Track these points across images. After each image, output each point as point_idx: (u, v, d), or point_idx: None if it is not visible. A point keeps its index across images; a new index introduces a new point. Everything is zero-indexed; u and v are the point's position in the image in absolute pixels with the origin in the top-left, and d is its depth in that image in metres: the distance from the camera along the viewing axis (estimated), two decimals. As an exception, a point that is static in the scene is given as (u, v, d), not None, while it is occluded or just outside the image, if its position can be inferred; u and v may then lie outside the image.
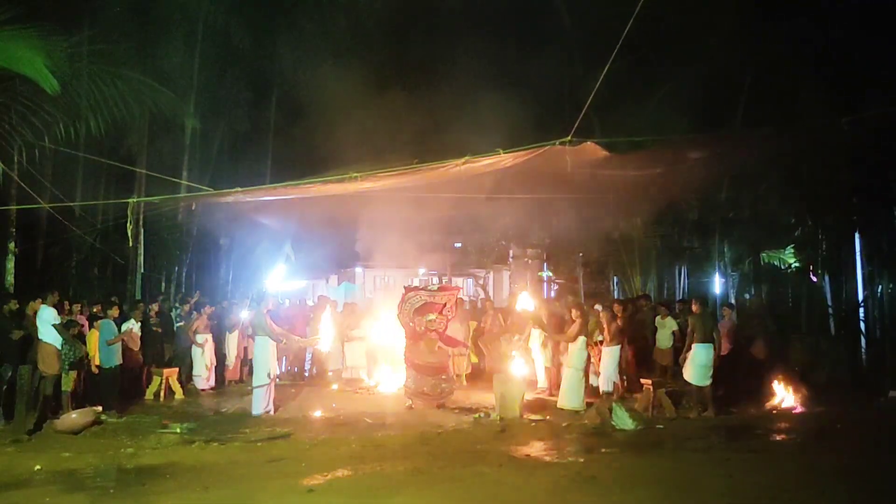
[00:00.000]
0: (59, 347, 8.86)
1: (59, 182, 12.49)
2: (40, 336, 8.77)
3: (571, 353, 9.92)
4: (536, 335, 11.13)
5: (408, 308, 10.42)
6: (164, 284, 15.16)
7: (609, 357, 10.22)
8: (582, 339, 9.90)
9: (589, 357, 10.34)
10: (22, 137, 9.89)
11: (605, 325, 10.24)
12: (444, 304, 10.50)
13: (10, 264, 11.54)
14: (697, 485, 6.09)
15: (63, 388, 9.06)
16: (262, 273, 17.49)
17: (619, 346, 10.29)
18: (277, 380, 10.79)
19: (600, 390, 10.24)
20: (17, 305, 9.34)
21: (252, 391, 9.74)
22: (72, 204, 12.30)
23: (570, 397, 9.76)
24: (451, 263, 15.74)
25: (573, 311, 10.29)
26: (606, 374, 10.24)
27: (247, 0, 15.32)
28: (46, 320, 8.77)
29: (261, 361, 9.65)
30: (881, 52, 11.11)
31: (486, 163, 8.48)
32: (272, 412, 9.54)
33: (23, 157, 10.42)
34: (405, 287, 11.24)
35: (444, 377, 10.26)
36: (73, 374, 9.15)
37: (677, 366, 10.19)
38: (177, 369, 11.16)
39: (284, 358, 13.06)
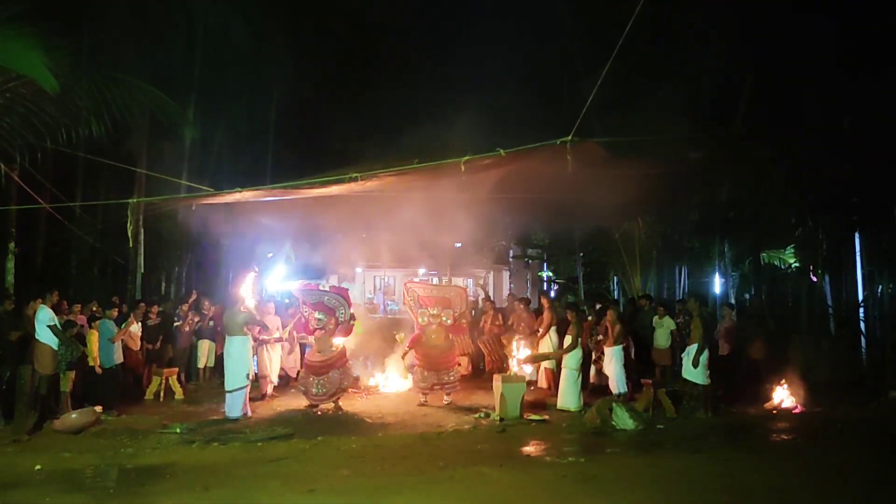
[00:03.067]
0: (56, 348, 8.85)
1: (60, 182, 12.50)
2: (37, 336, 8.76)
3: (567, 353, 9.94)
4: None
5: (304, 299, 10.57)
6: (164, 284, 15.16)
7: (614, 358, 10.21)
8: (577, 339, 9.92)
9: (589, 356, 10.36)
10: (23, 138, 9.89)
11: (608, 326, 10.26)
12: (332, 307, 10.38)
13: (10, 264, 11.55)
14: (697, 485, 6.09)
15: (62, 389, 9.06)
16: (262, 273, 17.47)
17: (621, 347, 10.29)
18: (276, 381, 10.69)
19: (613, 392, 10.14)
20: (13, 305, 9.34)
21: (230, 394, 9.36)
22: (72, 204, 12.31)
23: (566, 398, 9.76)
24: (451, 263, 15.75)
25: (569, 313, 10.32)
26: (615, 375, 10.21)
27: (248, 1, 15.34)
28: (43, 321, 8.75)
29: (238, 362, 9.32)
30: (881, 52, 11.12)
31: (486, 162, 8.48)
32: (249, 415, 9.33)
33: (24, 158, 10.42)
34: (302, 280, 11.26)
35: (324, 378, 9.97)
36: (71, 374, 9.15)
37: (676, 366, 10.21)
38: (177, 369, 11.17)
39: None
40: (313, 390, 9.96)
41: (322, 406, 9.95)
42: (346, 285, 14.71)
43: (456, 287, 11.35)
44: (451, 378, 10.48)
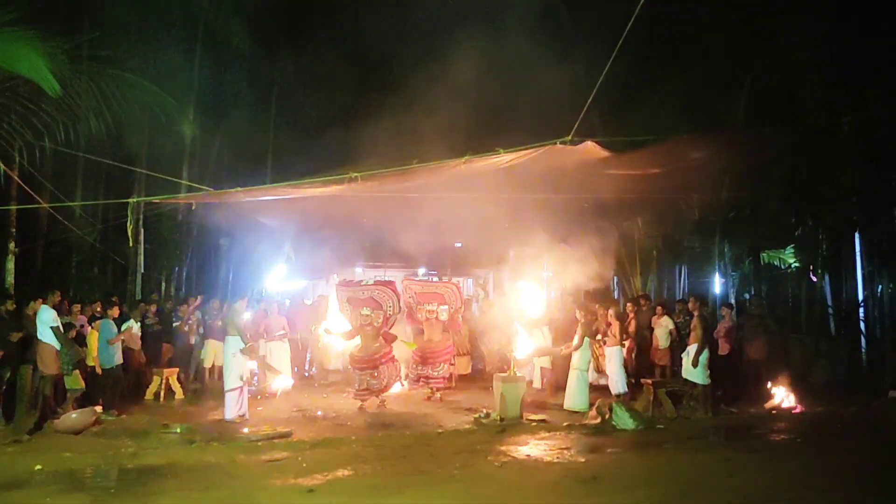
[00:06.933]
0: (59, 348, 8.84)
1: (59, 182, 12.49)
2: (39, 336, 8.75)
3: (576, 354, 9.93)
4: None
5: (349, 296, 10.72)
6: (164, 284, 15.14)
7: (614, 358, 10.22)
8: (586, 339, 9.92)
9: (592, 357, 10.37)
10: (22, 137, 9.88)
11: (610, 326, 10.26)
12: (380, 302, 10.66)
13: (10, 264, 11.53)
14: (698, 485, 6.09)
15: (70, 387, 9.07)
16: (262, 273, 17.47)
17: (619, 347, 10.29)
18: (252, 386, 10.52)
19: (612, 392, 10.16)
20: (14, 306, 9.32)
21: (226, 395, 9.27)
22: (72, 204, 12.29)
23: (576, 398, 9.76)
24: (451, 263, 15.74)
25: (577, 312, 10.30)
26: (615, 375, 10.22)
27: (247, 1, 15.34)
28: (45, 322, 8.74)
29: (232, 363, 9.25)
30: (881, 52, 11.12)
31: (486, 162, 8.49)
32: (247, 416, 9.24)
33: (23, 157, 10.41)
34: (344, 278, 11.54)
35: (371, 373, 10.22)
36: (77, 372, 9.13)
37: (676, 365, 10.20)
38: (177, 369, 11.17)
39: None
40: (356, 385, 10.19)
41: (366, 403, 10.12)
42: None
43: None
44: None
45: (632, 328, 11.24)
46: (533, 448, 7.56)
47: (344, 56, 17.03)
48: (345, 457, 7.14)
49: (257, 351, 10.18)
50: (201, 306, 12.16)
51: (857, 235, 12.46)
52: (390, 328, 10.70)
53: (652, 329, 11.24)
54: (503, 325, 12.10)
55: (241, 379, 9.26)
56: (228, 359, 9.40)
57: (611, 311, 10.48)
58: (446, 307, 11.05)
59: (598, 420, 8.73)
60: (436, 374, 10.68)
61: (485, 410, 9.51)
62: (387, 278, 11.80)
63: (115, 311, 9.95)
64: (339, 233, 14.37)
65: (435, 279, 14.32)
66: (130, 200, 10.61)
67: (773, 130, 10.24)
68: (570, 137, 7.77)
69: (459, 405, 10.29)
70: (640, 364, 11.19)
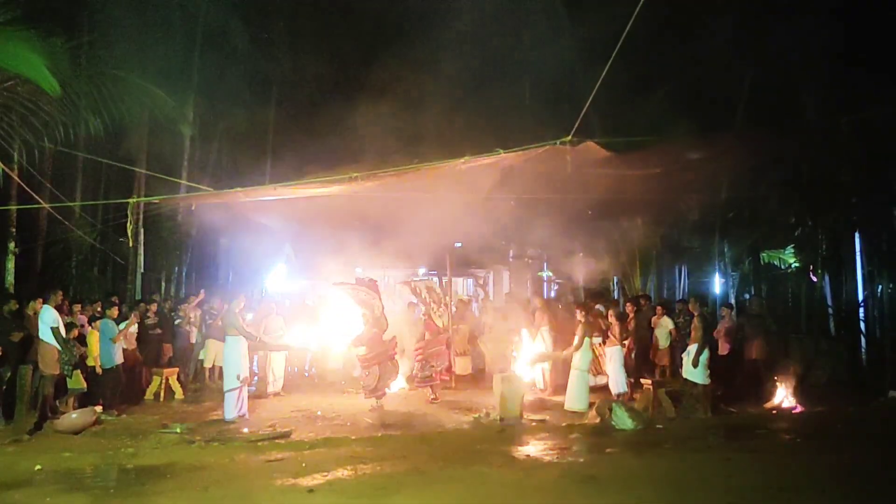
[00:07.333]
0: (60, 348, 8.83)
1: (59, 182, 12.49)
2: (41, 336, 8.74)
3: (576, 354, 9.93)
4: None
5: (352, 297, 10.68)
6: (164, 284, 15.15)
7: (614, 358, 10.21)
8: (587, 340, 9.92)
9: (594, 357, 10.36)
10: (22, 137, 9.88)
11: (611, 326, 10.27)
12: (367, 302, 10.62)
13: (10, 264, 11.54)
14: (697, 485, 6.09)
15: (71, 387, 9.06)
16: (262, 273, 17.48)
17: (619, 347, 10.29)
18: (252, 387, 10.48)
19: (612, 392, 10.17)
20: (17, 306, 9.32)
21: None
22: (72, 204, 12.29)
23: (576, 398, 9.75)
24: (451, 263, 15.71)
25: (578, 312, 10.30)
26: (615, 375, 10.21)
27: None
28: (46, 322, 8.73)
29: (231, 363, 9.26)
30: (881, 52, 11.11)
31: (486, 162, 8.49)
32: (247, 416, 9.24)
33: (23, 157, 10.42)
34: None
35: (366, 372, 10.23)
36: (79, 372, 9.13)
37: (676, 365, 10.20)
38: (177, 369, 11.16)
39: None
40: (364, 384, 10.23)
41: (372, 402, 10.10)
42: None
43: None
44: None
45: (632, 328, 11.24)
46: (533, 448, 7.56)
47: (344, 49, 17.04)
48: (345, 457, 7.13)
49: (265, 340, 10.24)
50: (203, 303, 12.15)
51: (857, 235, 12.46)
52: (384, 330, 10.65)
53: (652, 329, 11.24)
54: (503, 325, 12.14)
55: (239, 379, 9.24)
56: (228, 359, 9.41)
57: (611, 311, 10.49)
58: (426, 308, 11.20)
59: (598, 420, 8.73)
60: (423, 373, 10.76)
61: (485, 410, 9.51)
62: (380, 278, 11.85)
63: (115, 312, 9.95)
64: (339, 232, 14.35)
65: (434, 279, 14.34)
66: (130, 200, 10.60)
67: (773, 130, 10.24)
68: (570, 137, 7.77)
69: (459, 405, 10.28)
70: (640, 364, 11.19)
